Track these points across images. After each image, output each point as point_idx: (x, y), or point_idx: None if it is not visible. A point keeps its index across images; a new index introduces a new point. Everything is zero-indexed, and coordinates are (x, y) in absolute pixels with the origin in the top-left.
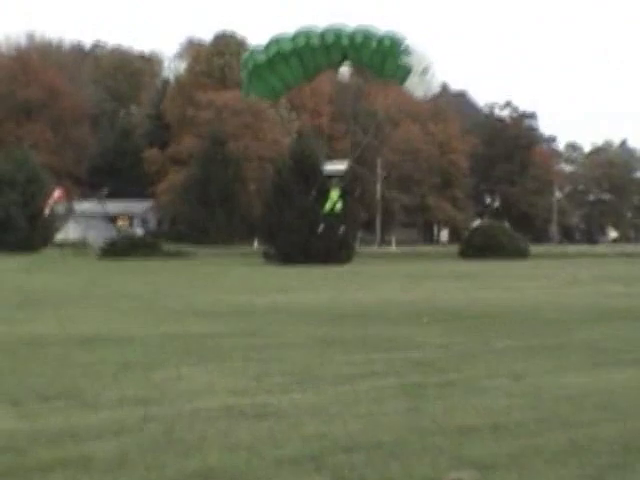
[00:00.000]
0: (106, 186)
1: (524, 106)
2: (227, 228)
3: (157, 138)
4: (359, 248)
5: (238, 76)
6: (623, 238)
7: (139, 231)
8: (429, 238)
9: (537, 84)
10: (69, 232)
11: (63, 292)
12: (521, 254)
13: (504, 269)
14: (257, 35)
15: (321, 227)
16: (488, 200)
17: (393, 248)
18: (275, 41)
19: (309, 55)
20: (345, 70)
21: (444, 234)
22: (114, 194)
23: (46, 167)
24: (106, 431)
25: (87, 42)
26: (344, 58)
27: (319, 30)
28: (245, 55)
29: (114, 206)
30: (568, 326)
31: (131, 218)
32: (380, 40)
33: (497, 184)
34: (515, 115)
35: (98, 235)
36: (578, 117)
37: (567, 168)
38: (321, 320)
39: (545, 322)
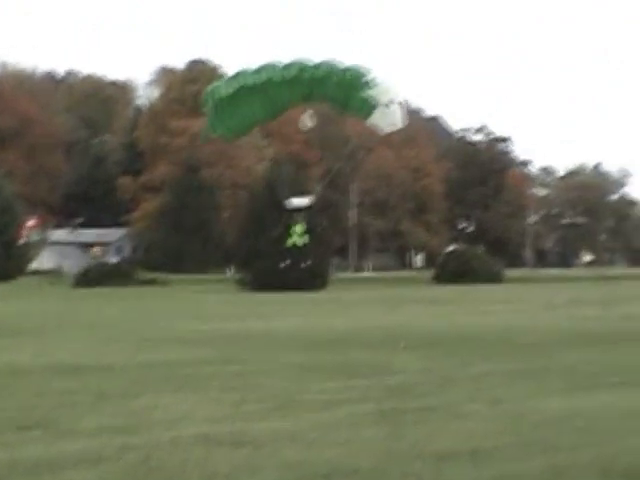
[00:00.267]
0: (80, 214)
1: (498, 131)
2: (201, 255)
3: (131, 166)
4: (334, 274)
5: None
6: (597, 261)
7: (113, 259)
8: (403, 263)
9: (510, 109)
10: (43, 261)
11: (39, 321)
12: (496, 278)
13: (479, 294)
14: (230, 62)
15: (286, 262)
16: (462, 224)
17: (368, 274)
18: (238, 75)
19: (272, 90)
20: (306, 118)
21: (418, 259)
22: (88, 222)
23: (20, 196)
24: (84, 460)
25: (60, 70)
26: (308, 97)
27: (282, 64)
28: (207, 89)
29: (88, 234)
30: (545, 350)
31: (105, 246)
32: (343, 73)
33: (471, 208)
34: (488, 139)
35: (72, 263)
36: (551, 141)
37: (541, 192)
38: (298, 347)
39: (522, 346)
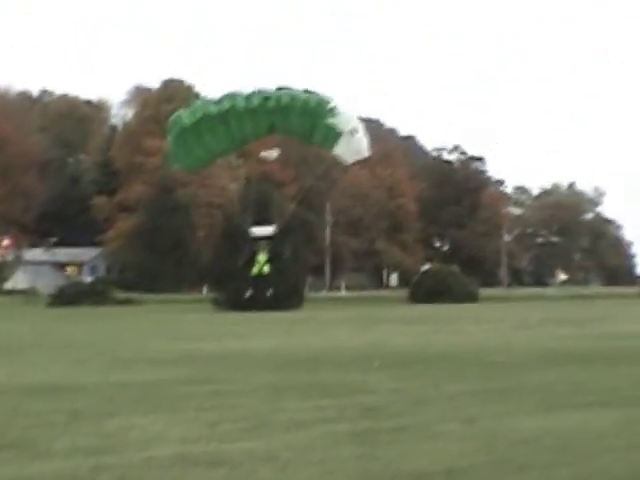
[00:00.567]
0: (54, 234)
1: (472, 150)
2: (176, 275)
3: (105, 185)
4: (309, 293)
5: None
6: (572, 280)
7: (88, 279)
8: (378, 282)
9: (484, 129)
10: (18, 280)
11: (13, 341)
12: (470, 297)
13: (454, 313)
14: (205, 82)
15: (249, 292)
16: (437, 244)
17: (343, 293)
18: (201, 105)
19: (236, 120)
20: (270, 153)
21: (393, 278)
22: (63, 242)
23: None
24: None
25: (34, 90)
26: (272, 128)
27: (245, 93)
28: (171, 119)
29: (63, 254)
30: (519, 369)
31: (80, 266)
32: (306, 101)
33: (446, 227)
34: (463, 159)
35: (47, 283)
36: (526, 161)
37: (515, 211)
38: (272, 366)
39: (496, 365)
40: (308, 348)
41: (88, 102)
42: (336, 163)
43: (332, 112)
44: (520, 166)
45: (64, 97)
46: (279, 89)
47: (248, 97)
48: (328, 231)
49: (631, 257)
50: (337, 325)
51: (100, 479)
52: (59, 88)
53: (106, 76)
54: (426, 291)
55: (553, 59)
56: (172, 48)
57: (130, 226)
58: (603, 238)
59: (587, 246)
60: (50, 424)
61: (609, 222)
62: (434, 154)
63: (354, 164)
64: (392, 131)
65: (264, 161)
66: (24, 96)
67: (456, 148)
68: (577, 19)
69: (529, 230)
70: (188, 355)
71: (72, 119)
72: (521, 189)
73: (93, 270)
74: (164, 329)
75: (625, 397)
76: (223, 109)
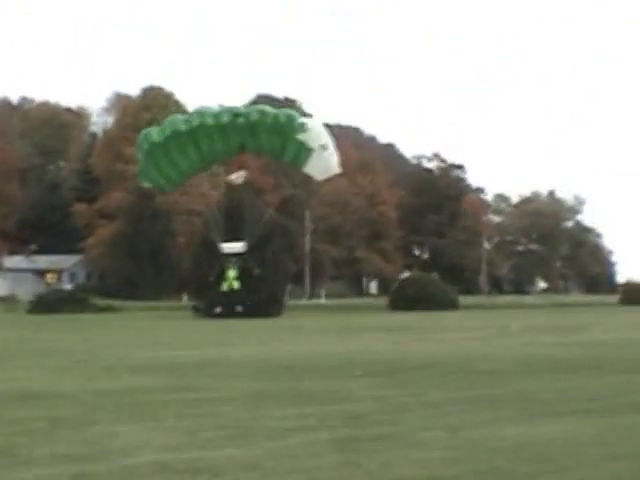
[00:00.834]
0: (34, 241)
1: (452, 158)
2: (156, 282)
3: (86, 192)
4: (288, 301)
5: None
6: (552, 288)
7: (68, 286)
8: (358, 290)
9: (464, 136)
10: None
11: None
12: (450, 305)
13: (434, 321)
14: (185, 89)
15: (218, 309)
16: (417, 251)
17: (323, 301)
18: (170, 122)
19: (205, 138)
20: (238, 176)
21: (373, 286)
22: (42, 249)
23: None
24: None
25: (14, 97)
26: (242, 147)
27: (215, 110)
28: (140, 136)
29: (43, 261)
30: (501, 378)
31: (60, 273)
32: (275, 117)
33: (426, 235)
34: (443, 166)
35: (27, 290)
36: (506, 168)
37: (495, 219)
38: (253, 374)
39: (478, 374)
40: (289, 356)
41: (68, 109)
42: None
43: (302, 127)
44: (500, 174)
45: (44, 104)
46: (249, 106)
47: (217, 114)
48: (308, 239)
49: (611, 265)
50: (318, 333)
51: None
52: (39, 95)
53: (86, 83)
54: (406, 299)
55: (533, 68)
56: (152, 56)
57: (110, 233)
58: (583, 246)
59: (567, 254)
60: (30, 432)
61: (589, 230)
62: (414, 162)
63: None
64: (372, 139)
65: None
66: (4, 103)
67: (436, 156)
68: (567, 24)
69: (509, 238)
70: (168, 363)
71: (52, 126)
72: (501, 197)
73: (73, 277)
74: (144, 336)
75: (607, 405)
76: (192, 126)
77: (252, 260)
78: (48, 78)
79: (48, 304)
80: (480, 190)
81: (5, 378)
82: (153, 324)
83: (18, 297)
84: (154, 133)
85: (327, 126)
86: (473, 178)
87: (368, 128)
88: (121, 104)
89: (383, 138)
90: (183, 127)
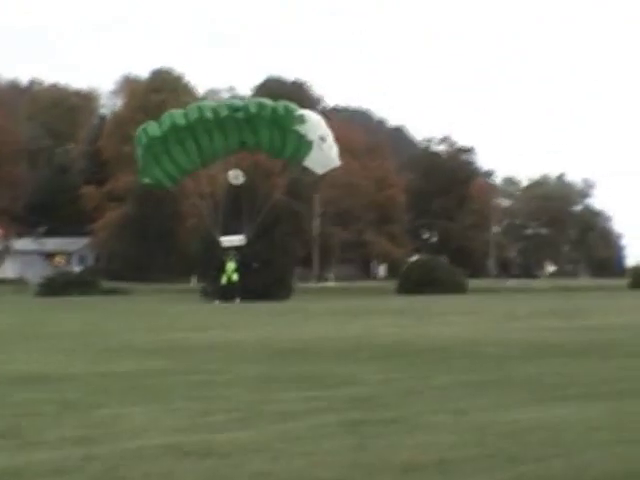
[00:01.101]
0: (43, 223)
1: (461, 141)
2: (165, 265)
3: (94, 175)
4: (297, 284)
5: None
6: (561, 272)
7: (76, 268)
8: (367, 273)
9: (474, 120)
10: (6, 270)
11: (1, 330)
12: (459, 289)
13: (442, 304)
14: (194, 72)
15: (217, 302)
16: (426, 235)
17: (331, 284)
18: (168, 116)
19: (204, 134)
20: (237, 174)
21: (381, 269)
22: (51, 231)
23: None
24: (48, 471)
25: (23, 79)
26: (243, 145)
27: (213, 104)
28: (137, 131)
29: (51, 243)
30: (508, 361)
31: (68, 255)
32: (274, 109)
33: (435, 218)
34: (452, 150)
35: (35, 272)
36: (515, 152)
37: (504, 202)
38: (260, 357)
39: (485, 357)
40: (296, 339)
41: (77, 92)
42: None
43: (301, 119)
44: (509, 157)
45: (53, 86)
46: (247, 99)
47: (215, 108)
48: (317, 222)
49: (620, 249)
50: (325, 316)
51: (90, 469)
52: (48, 77)
53: (95, 66)
54: (414, 282)
55: (544, 52)
56: (161, 38)
57: (119, 216)
58: (592, 230)
59: (576, 238)
60: (38, 414)
61: (598, 214)
62: (423, 145)
63: (343, 156)
64: (381, 122)
65: (254, 150)
66: (13, 85)
67: (445, 139)
68: (568, 14)
69: (518, 221)
70: (176, 345)
71: (61, 108)
72: (510, 180)
73: (82, 260)
74: (152, 319)
75: (615, 389)
76: (191, 120)
77: (257, 248)
78: (57, 60)
79: (56, 287)
80: (489, 173)
81: (12, 360)
82: (161, 307)
83: (27, 280)
84: (152, 128)
85: (335, 110)
86: (482, 161)
87: (377, 111)
88: (130, 87)
89: (392, 121)
90: (182, 121)
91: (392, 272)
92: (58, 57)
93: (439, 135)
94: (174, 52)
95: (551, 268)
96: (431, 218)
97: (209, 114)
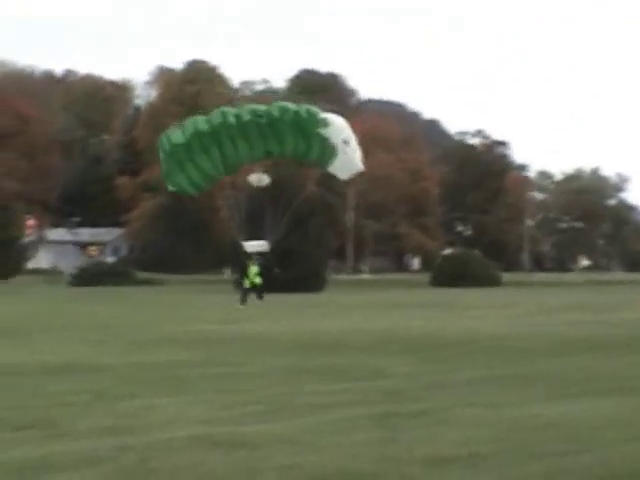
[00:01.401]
0: (77, 214)
1: (496, 135)
2: (198, 256)
3: (128, 165)
4: (330, 276)
5: (210, 104)
6: (594, 266)
7: (110, 259)
8: (400, 266)
9: (509, 113)
10: (41, 260)
11: (34, 320)
12: (492, 282)
13: (475, 297)
14: (229, 63)
15: (241, 305)
16: (460, 228)
17: (365, 276)
18: (191, 122)
19: (227, 140)
20: (260, 177)
21: (415, 262)
22: (85, 222)
23: (17, 195)
24: (81, 461)
25: (58, 70)
26: (268, 154)
27: (235, 110)
28: (161, 138)
29: (85, 234)
30: (537, 355)
31: (102, 246)
32: (296, 113)
33: (469, 212)
34: (486, 143)
35: (69, 263)
36: (549, 146)
37: (538, 196)
38: (291, 349)
39: (514, 351)
40: (327, 331)
41: (112, 82)
42: (359, 146)
43: (324, 122)
44: (543, 151)
45: (88, 77)
46: (270, 104)
47: (238, 113)
48: (350, 214)
49: None
50: (358, 308)
51: (123, 459)
52: (83, 68)
53: (130, 57)
54: (448, 275)
55: (579, 41)
56: (196, 29)
57: (153, 206)
58: (626, 224)
59: (610, 232)
60: (71, 404)
61: (633, 208)
62: (457, 138)
63: (377, 149)
64: (415, 114)
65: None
66: (48, 76)
67: (479, 132)
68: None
69: (552, 215)
70: (207, 337)
71: (96, 99)
72: (544, 174)
73: (115, 250)
74: (184, 310)
75: None
76: (214, 125)
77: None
78: (92, 51)
79: (90, 277)
80: (523, 167)
81: (43, 351)
82: (194, 298)
83: (60, 270)
84: (175, 134)
85: (370, 102)
86: (517, 155)
87: (411, 104)
88: (164, 77)
89: (427, 114)
90: (205, 127)
91: (426, 265)
92: (93, 48)
93: (473, 128)
94: (209, 44)
95: (585, 262)
96: (465, 211)
97: (232, 119)
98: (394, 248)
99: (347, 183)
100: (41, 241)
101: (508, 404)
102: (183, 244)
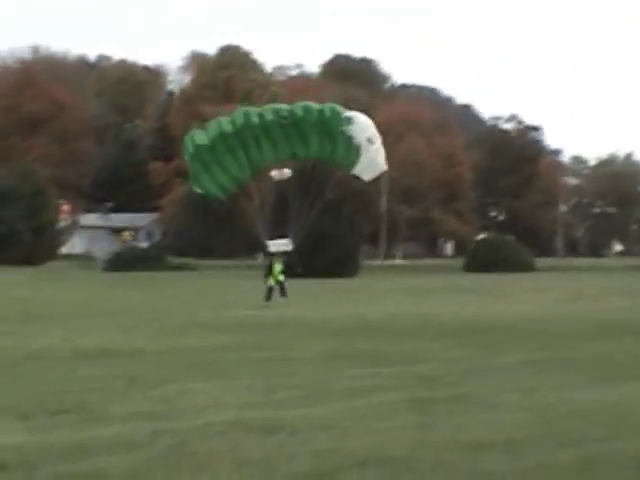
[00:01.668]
0: (110, 199)
1: (529, 119)
2: (231, 241)
3: (162, 151)
4: (364, 261)
5: (243, 89)
6: (628, 251)
7: (143, 244)
8: (434, 251)
9: (542, 98)
10: (74, 245)
11: (68, 306)
12: (526, 267)
13: (509, 282)
14: (262, 48)
15: (266, 300)
16: (493, 213)
17: (399, 261)
18: (214, 123)
19: (252, 141)
20: (282, 172)
21: (449, 247)
22: (118, 207)
23: (51, 180)
24: (117, 445)
25: (92, 55)
26: (294, 156)
27: (258, 110)
28: (185, 139)
29: (119, 219)
30: (575, 340)
31: (136, 231)
32: (320, 112)
33: (502, 197)
34: (520, 128)
35: (103, 248)
36: (583, 130)
37: (572, 181)
38: (327, 334)
39: (552, 336)
40: (363, 316)
41: (145, 68)
42: (391, 131)
43: (348, 121)
44: (577, 136)
45: (121, 62)
46: (293, 104)
47: (261, 113)
48: (383, 199)
49: None
50: (392, 293)
51: (159, 444)
52: (116, 53)
53: (163, 42)
54: (481, 260)
55: (612, 25)
56: (229, 15)
57: (186, 192)
58: None
59: None
60: (106, 389)
61: None
62: (491, 123)
63: (410, 133)
64: (449, 100)
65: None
66: (81, 61)
67: (513, 117)
68: None
69: (585, 200)
70: (242, 322)
71: (129, 84)
72: (578, 159)
73: (149, 235)
74: (218, 295)
75: None
76: (238, 126)
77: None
78: (125, 36)
79: (123, 262)
80: (557, 152)
81: (78, 336)
82: (227, 283)
83: (94, 255)
84: (199, 136)
85: (404, 87)
86: (551, 140)
87: (445, 89)
88: (197, 63)
89: (460, 99)
90: (229, 127)
91: (459, 250)
92: (126, 33)
93: (506, 113)
94: (242, 29)
95: (618, 247)
96: (498, 196)
97: (255, 119)
98: (427, 233)
99: None
100: (74, 226)
101: (547, 388)
102: (216, 229)
